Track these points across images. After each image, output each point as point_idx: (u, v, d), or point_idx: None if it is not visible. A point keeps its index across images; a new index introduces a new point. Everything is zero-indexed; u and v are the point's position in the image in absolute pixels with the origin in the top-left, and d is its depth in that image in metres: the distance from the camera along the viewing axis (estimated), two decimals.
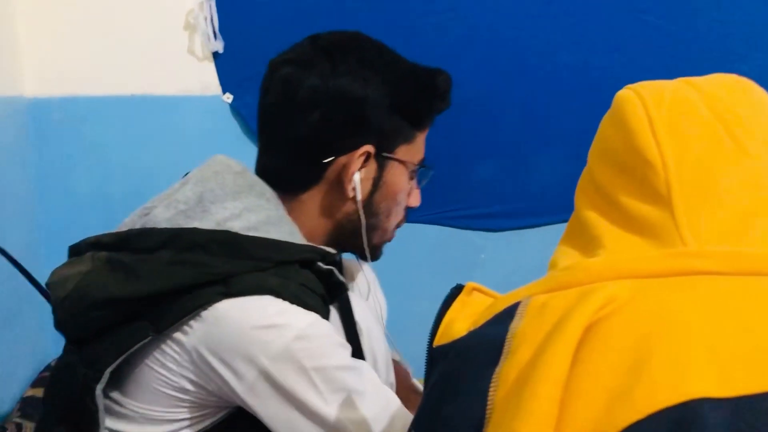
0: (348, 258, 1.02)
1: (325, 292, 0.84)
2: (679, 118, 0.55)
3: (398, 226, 0.97)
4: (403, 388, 1.04)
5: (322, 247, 0.87)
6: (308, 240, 0.89)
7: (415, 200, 0.97)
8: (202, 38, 1.60)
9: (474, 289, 0.62)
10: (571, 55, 1.73)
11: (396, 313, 1.76)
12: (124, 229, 0.85)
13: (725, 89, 0.57)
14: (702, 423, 0.41)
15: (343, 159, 0.87)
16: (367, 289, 1.06)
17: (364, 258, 0.96)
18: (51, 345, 1.58)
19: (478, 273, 1.84)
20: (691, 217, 0.52)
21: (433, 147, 1.79)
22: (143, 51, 1.60)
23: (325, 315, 0.82)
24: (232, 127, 1.66)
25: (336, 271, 0.85)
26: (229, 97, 1.65)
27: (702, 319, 0.46)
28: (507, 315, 0.52)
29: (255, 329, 0.77)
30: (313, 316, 0.79)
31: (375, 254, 0.97)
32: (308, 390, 0.77)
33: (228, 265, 0.78)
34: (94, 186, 1.62)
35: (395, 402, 0.84)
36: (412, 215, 1.86)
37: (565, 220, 2.01)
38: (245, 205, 0.83)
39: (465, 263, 1.84)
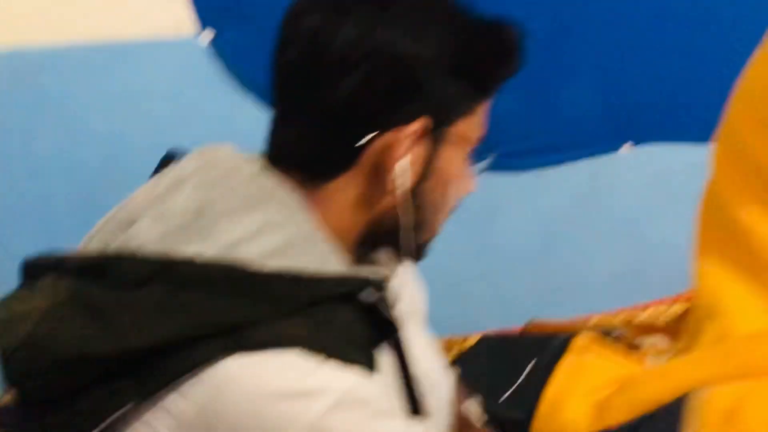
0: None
1: (371, 335, 0.65)
2: None
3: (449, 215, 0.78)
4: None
5: (370, 268, 0.68)
6: (336, 241, 0.70)
7: (471, 185, 0.77)
8: None
9: (585, 348, 0.41)
10: None
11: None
12: (96, 245, 0.65)
13: None
14: None
15: (388, 137, 0.67)
16: (404, 281, 0.86)
17: (404, 257, 0.77)
18: None
19: (500, 218, 1.71)
20: None
21: None
22: None
23: (371, 366, 0.64)
24: (213, 73, 1.47)
25: (384, 305, 0.66)
26: (208, 35, 1.44)
27: None
28: (670, 416, 0.34)
29: (277, 398, 0.58)
30: (355, 375, 0.61)
31: (421, 255, 0.77)
32: None
33: (239, 310, 0.60)
34: (56, 150, 1.46)
35: None
36: None
37: (591, 154, 1.79)
38: (262, 222, 0.64)
39: (485, 210, 1.67)
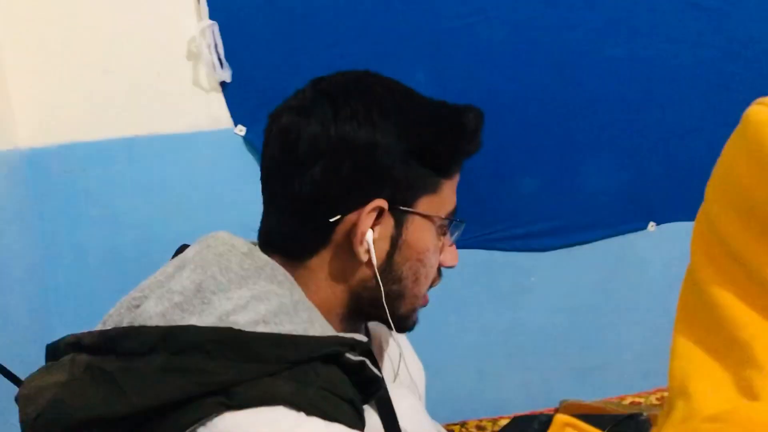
0: (374, 323, 0.87)
1: (356, 393, 0.68)
2: None
3: (431, 286, 0.82)
4: None
5: (351, 335, 0.71)
6: (323, 314, 0.74)
7: (451, 259, 0.82)
8: (207, 68, 1.47)
9: (566, 424, 0.43)
10: (616, 49, 1.57)
11: (443, 348, 1.63)
12: (110, 324, 0.70)
13: None
14: None
15: (351, 217, 0.73)
16: (398, 356, 0.91)
17: (391, 329, 0.81)
18: None
19: (530, 298, 1.70)
20: None
21: (470, 164, 1.66)
22: (144, 88, 1.47)
23: (357, 423, 0.67)
24: (248, 162, 1.53)
25: (369, 363, 0.69)
26: (242, 130, 1.52)
27: None
28: None
29: None
30: (341, 428, 0.64)
31: (404, 325, 0.81)
32: None
33: (231, 370, 0.64)
34: (102, 239, 1.49)
35: None
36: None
37: (617, 233, 1.80)
38: (253, 294, 0.69)
39: (514, 289, 1.70)
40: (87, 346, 0.68)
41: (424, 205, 0.76)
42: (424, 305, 0.82)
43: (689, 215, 1.71)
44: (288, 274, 0.74)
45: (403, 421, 0.73)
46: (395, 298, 0.77)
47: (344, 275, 0.76)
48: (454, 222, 0.81)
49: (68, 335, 0.71)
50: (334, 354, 0.67)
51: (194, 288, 0.68)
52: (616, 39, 1.56)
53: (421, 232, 0.77)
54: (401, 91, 0.78)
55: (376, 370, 0.70)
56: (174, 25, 1.47)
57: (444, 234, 0.80)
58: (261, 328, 0.66)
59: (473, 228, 1.62)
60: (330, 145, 0.72)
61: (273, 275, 0.72)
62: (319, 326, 0.71)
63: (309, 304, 0.73)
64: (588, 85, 1.59)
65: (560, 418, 0.43)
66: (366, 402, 0.70)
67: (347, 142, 0.72)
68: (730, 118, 1.61)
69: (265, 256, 0.74)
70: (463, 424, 1.62)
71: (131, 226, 1.50)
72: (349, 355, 0.67)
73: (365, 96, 0.75)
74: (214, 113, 1.51)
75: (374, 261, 0.74)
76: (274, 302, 0.69)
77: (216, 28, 1.45)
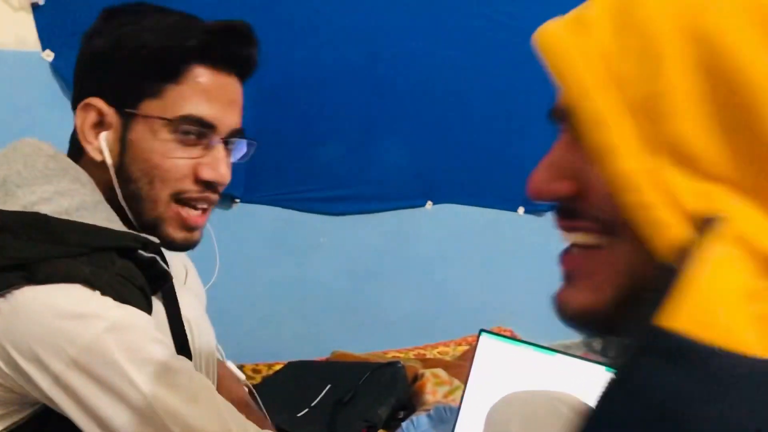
0: None
1: (146, 283, 0.77)
2: None
3: (191, 199, 0.83)
4: (224, 387, 1.00)
5: (144, 235, 0.79)
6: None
7: (209, 171, 0.82)
8: None
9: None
10: (417, 45, 1.75)
11: (228, 293, 1.71)
12: None
13: None
14: None
15: (76, 118, 0.82)
16: (184, 274, 0.99)
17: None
18: None
19: (318, 256, 1.83)
20: None
21: (277, 128, 1.75)
22: None
23: (146, 308, 0.76)
24: (52, 87, 1.48)
25: (159, 260, 0.78)
26: (49, 54, 1.47)
27: None
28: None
29: (60, 319, 0.69)
30: (127, 309, 0.72)
31: (160, 235, 0.82)
32: (121, 381, 0.69)
33: (35, 249, 0.70)
34: None
35: (221, 400, 0.76)
36: (250, 196, 1.81)
37: (400, 207, 2.02)
38: (57, 189, 0.75)
39: (304, 246, 1.82)
40: None
41: (146, 107, 0.81)
42: (175, 218, 0.83)
43: (462, 199, 1.97)
44: (91, 179, 0.80)
45: (184, 310, 0.83)
46: (134, 200, 0.82)
47: (96, 178, 0.81)
48: (194, 126, 0.81)
49: None
50: (129, 248, 0.75)
51: None
52: (419, 35, 1.75)
53: (145, 134, 0.81)
54: (159, 10, 0.83)
55: (165, 266, 0.79)
56: None
57: (193, 143, 0.81)
58: (64, 218, 0.73)
59: (271, 187, 1.73)
60: (81, 56, 0.83)
61: (77, 177, 0.79)
62: (117, 225, 0.78)
63: (107, 206, 0.80)
64: (393, 73, 1.75)
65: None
66: (154, 293, 0.79)
67: (87, 53, 0.83)
68: (507, 121, 1.87)
69: (69, 160, 0.80)
70: (240, 367, 1.71)
71: None
72: (142, 252, 0.76)
73: (124, 16, 0.83)
74: (21, 34, 1.45)
75: (108, 160, 0.80)
76: (76, 199, 0.76)
77: None
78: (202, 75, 0.81)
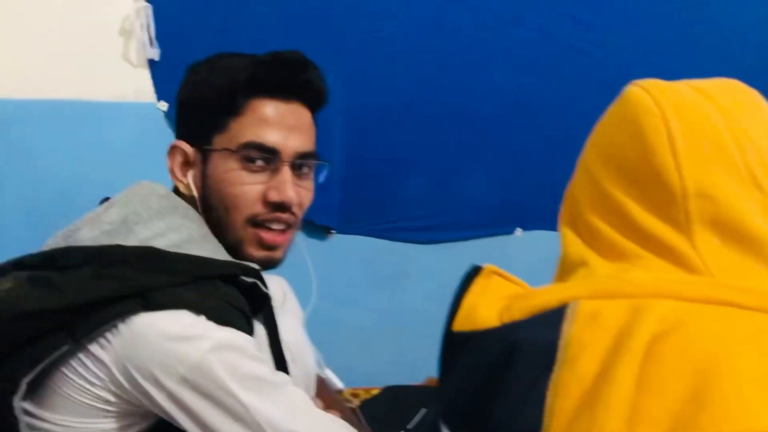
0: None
1: (248, 307, 0.85)
2: (699, 140, 0.54)
3: (264, 221, 0.90)
4: (324, 401, 1.06)
5: (246, 262, 0.88)
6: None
7: (275, 193, 0.89)
8: (138, 45, 1.57)
9: (493, 272, 0.61)
10: (501, 75, 1.81)
11: (327, 321, 1.78)
12: (48, 249, 0.85)
13: (733, 101, 0.57)
14: None
15: (169, 161, 0.94)
16: (282, 299, 1.06)
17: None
18: None
19: (409, 283, 1.89)
20: (711, 248, 0.54)
21: (364, 159, 1.83)
22: (76, 56, 1.56)
23: (247, 329, 0.83)
24: (166, 135, 1.63)
25: (260, 284, 0.86)
26: (164, 105, 1.63)
27: (751, 355, 0.47)
28: (555, 317, 0.52)
29: (171, 341, 0.77)
30: (229, 331, 0.80)
31: (243, 256, 0.90)
32: (226, 396, 0.78)
33: (148, 279, 0.79)
34: (22, 193, 1.56)
35: (319, 412, 0.86)
36: (345, 227, 1.89)
37: (489, 235, 2.05)
38: (169, 225, 0.85)
39: (396, 273, 1.88)
40: (28, 264, 0.83)
41: (217, 142, 0.90)
42: (255, 239, 0.90)
43: (551, 225, 1.97)
44: (198, 214, 0.90)
45: (283, 333, 0.90)
46: (217, 225, 0.91)
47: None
48: (245, 151, 0.88)
49: (12, 258, 0.85)
50: (232, 275, 0.84)
51: (120, 220, 0.85)
52: (501, 68, 1.80)
53: (219, 165, 0.90)
54: (230, 56, 0.93)
55: (265, 290, 0.86)
56: (110, 3, 1.56)
57: (258, 169, 0.88)
58: (174, 251, 0.83)
59: (364, 219, 1.82)
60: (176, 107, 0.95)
61: (186, 213, 0.89)
62: (222, 255, 0.88)
63: (214, 238, 0.89)
64: (477, 104, 1.81)
65: (489, 267, 0.62)
66: (255, 315, 0.87)
67: (177, 102, 0.95)
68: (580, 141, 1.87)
69: (180, 199, 0.91)
70: (338, 393, 1.78)
71: (50, 182, 1.58)
72: (243, 278, 0.85)
73: (201, 65, 0.94)
74: (139, 87, 1.61)
75: (194, 193, 0.91)
76: (185, 233, 0.86)
77: (150, 9, 1.56)
78: (260, 105, 0.89)
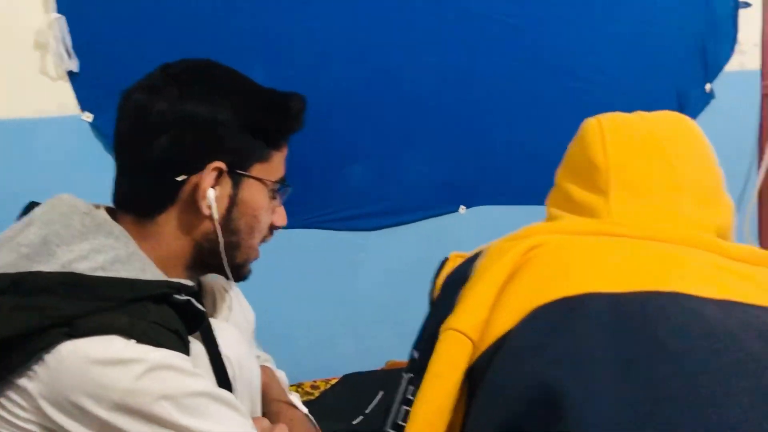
0: (211, 277, 1.03)
1: (182, 326, 0.83)
2: (626, 139, 0.80)
3: (263, 241, 0.99)
4: (274, 401, 1.06)
5: (177, 279, 0.86)
6: (168, 264, 0.89)
7: (281, 219, 0.99)
8: (55, 58, 1.53)
9: (457, 256, 0.85)
10: (431, 57, 1.81)
11: (282, 317, 1.78)
12: None
13: (666, 122, 0.83)
14: (588, 305, 0.66)
15: (195, 177, 0.89)
16: (228, 311, 1.06)
17: (228, 277, 0.96)
18: None
19: (360, 271, 1.90)
20: (622, 201, 0.78)
21: (304, 154, 1.82)
22: None
23: (183, 349, 0.81)
24: (94, 147, 1.61)
25: (194, 301, 0.84)
26: (88, 116, 1.59)
27: (600, 253, 0.73)
28: (475, 256, 0.79)
29: (98, 366, 0.75)
30: (163, 352, 0.78)
31: (239, 274, 0.98)
32: (169, 416, 0.76)
33: (73, 306, 0.76)
34: None
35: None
36: (289, 222, 1.88)
37: (434, 215, 2.07)
38: (92, 246, 0.82)
39: (346, 263, 1.89)
40: None
41: (256, 170, 0.93)
42: (257, 258, 0.98)
43: (494, 200, 2.01)
44: (124, 230, 0.87)
45: (224, 348, 0.89)
46: (232, 248, 0.93)
47: (189, 229, 0.91)
48: (283, 186, 0.97)
49: None
50: (163, 294, 0.82)
51: (40, 242, 0.81)
52: (430, 49, 1.81)
53: (254, 193, 0.93)
54: (237, 77, 0.95)
55: (200, 307, 0.85)
56: (21, 17, 1.51)
57: (274, 197, 0.97)
58: (99, 273, 0.80)
59: (306, 211, 1.80)
60: (175, 119, 0.88)
61: (110, 231, 0.85)
62: (150, 274, 0.85)
63: (142, 255, 0.86)
64: (410, 87, 1.82)
65: (453, 254, 0.85)
66: (191, 333, 0.85)
67: (190, 117, 0.88)
68: (528, 119, 1.92)
69: (103, 215, 0.88)
70: (299, 385, 1.78)
71: None
72: (176, 296, 0.83)
73: (207, 79, 0.92)
74: (61, 100, 1.57)
75: (215, 215, 0.89)
76: (110, 254, 0.82)
77: (63, 21, 1.52)
78: (285, 144, 0.97)
